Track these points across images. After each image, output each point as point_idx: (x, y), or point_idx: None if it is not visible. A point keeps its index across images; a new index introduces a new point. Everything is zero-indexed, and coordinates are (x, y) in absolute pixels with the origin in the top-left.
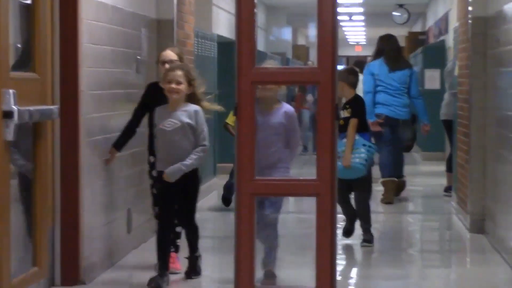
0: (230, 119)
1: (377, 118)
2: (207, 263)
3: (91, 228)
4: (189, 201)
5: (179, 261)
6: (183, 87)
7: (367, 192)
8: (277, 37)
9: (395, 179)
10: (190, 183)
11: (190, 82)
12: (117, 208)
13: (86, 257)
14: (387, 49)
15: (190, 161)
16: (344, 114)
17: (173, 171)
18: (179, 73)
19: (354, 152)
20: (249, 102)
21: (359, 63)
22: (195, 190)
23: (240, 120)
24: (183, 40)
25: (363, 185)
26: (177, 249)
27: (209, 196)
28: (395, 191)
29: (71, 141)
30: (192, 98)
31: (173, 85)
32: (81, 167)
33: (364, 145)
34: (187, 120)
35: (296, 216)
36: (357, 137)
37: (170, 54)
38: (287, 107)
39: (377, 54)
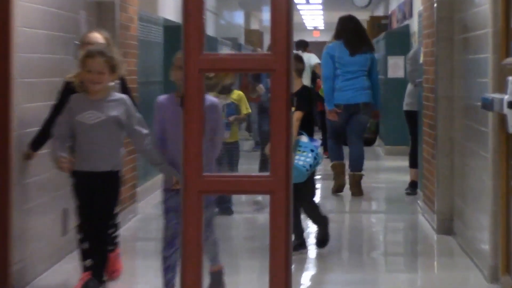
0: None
1: (336, 108)
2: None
3: (23, 229)
4: (104, 209)
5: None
6: (105, 77)
7: (311, 202)
8: (228, 22)
9: (343, 162)
10: (109, 187)
11: (113, 69)
12: (52, 208)
13: (18, 261)
14: (348, 31)
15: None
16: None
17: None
18: (99, 60)
19: (301, 154)
20: (196, 92)
21: (301, 44)
22: (113, 196)
23: (187, 112)
24: (126, 24)
25: (305, 195)
26: (115, 247)
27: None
28: (355, 187)
29: (1, 133)
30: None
31: (95, 76)
32: (12, 163)
33: (312, 150)
34: (114, 113)
35: (244, 216)
36: (306, 139)
37: (96, 36)
38: (210, 99)
39: (337, 36)
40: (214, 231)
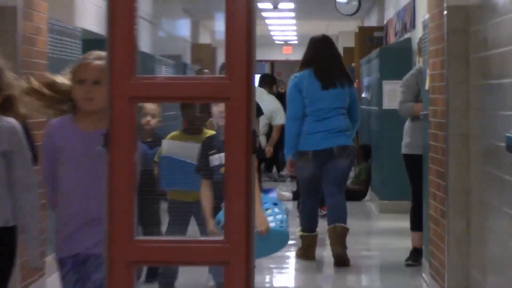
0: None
1: (297, 156)
2: None
3: None
4: None
5: None
6: None
7: None
8: (169, 33)
9: (316, 234)
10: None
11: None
12: None
13: None
14: (319, 57)
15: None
16: None
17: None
18: None
19: (266, 213)
20: (126, 128)
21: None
22: (8, 258)
23: (113, 153)
24: (31, 36)
25: None
26: None
27: None
28: (339, 244)
29: None
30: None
31: None
32: None
33: (275, 204)
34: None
35: None
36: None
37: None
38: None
39: (305, 63)
40: None
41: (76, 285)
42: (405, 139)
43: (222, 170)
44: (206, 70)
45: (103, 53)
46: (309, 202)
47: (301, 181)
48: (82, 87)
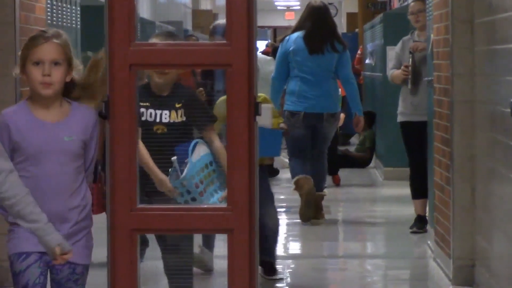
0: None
1: (287, 116)
2: None
3: None
4: None
5: None
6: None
7: None
8: (169, 0)
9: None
10: None
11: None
12: None
13: None
14: (310, 23)
15: None
16: (174, 117)
17: None
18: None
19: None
20: (126, 96)
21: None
22: None
23: (113, 122)
24: (29, 3)
25: None
26: None
27: None
28: (314, 208)
29: None
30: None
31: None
32: None
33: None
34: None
35: None
36: (207, 149)
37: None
38: (85, 109)
39: (297, 28)
40: None
41: (40, 278)
42: (401, 107)
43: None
44: (194, 37)
45: (60, 31)
46: (298, 161)
47: (289, 140)
48: (39, 69)
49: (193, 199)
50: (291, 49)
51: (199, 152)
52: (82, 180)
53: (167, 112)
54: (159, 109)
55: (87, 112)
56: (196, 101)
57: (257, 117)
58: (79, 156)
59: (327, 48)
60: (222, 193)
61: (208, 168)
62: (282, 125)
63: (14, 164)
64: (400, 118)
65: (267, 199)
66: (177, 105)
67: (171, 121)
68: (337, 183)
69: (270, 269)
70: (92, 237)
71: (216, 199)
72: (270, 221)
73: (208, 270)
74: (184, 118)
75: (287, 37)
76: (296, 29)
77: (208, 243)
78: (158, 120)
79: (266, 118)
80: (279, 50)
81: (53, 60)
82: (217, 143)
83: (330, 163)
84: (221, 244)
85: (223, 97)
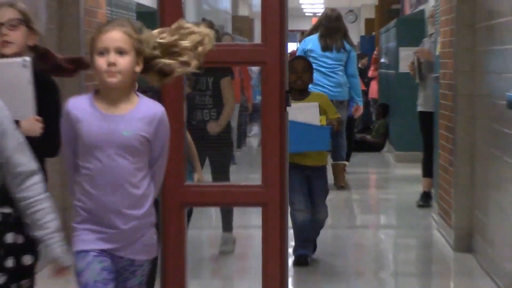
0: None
1: None
2: None
3: None
4: None
5: None
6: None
7: None
8: (212, 6)
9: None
10: None
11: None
12: None
13: None
14: (324, 27)
15: None
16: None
17: None
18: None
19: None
20: (174, 91)
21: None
22: None
23: (166, 105)
24: (92, 9)
25: None
26: None
27: None
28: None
29: None
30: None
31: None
32: None
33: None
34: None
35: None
36: None
37: (8, 12)
38: (152, 105)
39: (314, 29)
40: None
41: (102, 273)
42: (420, 99)
43: None
44: (229, 35)
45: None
46: None
47: None
48: (104, 58)
49: None
50: (308, 47)
51: None
52: (142, 176)
53: None
54: None
55: (153, 108)
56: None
57: (304, 115)
58: (139, 151)
59: (336, 47)
60: (195, 175)
61: None
62: (330, 120)
63: (76, 154)
64: (418, 109)
65: (322, 196)
66: None
67: None
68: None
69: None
70: (156, 233)
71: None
72: (320, 216)
73: (230, 251)
74: None
75: (306, 38)
76: (312, 31)
77: (227, 227)
78: None
79: (312, 115)
80: (299, 48)
81: (118, 49)
82: (189, 136)
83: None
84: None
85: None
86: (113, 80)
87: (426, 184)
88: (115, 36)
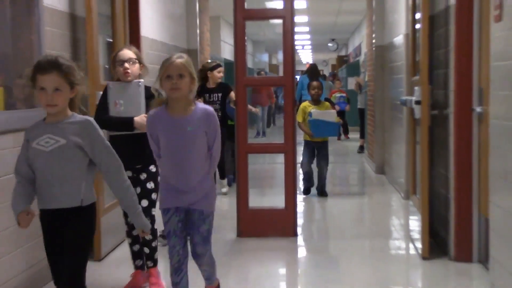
0: (299, 117)
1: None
2: None
3: None
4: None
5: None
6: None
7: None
8: (259, 59)
9: None
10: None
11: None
12: None
13: None
14: (310, 71)
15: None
16: None
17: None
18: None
19: None
20: (243, 97)
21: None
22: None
23: (238, 108)
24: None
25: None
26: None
27: None
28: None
29: None
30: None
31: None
32: None
33: None
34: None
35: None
36: None
37: (126, 53)
38: (204, 107)
39: (305, 72)
40: (209, 248)
41: (178, 225)
42: (358, 102)
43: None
44: (262, 72)
45: (183, 54)
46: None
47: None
48: (170, 81)
49: None
50: (303, 81)
51: None
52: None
53: None
54: None
55: (204, 111)
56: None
57: (326, 116)
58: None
59: (317, 79)
60: None
61: None
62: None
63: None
64: (358, 106)
65: (325, 160)
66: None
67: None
68: (347, 137)
69: (322, 192)
70: (215, 192)
71: None
72: (323, 171)
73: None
74: None
75: (302, 76)
76: (304, 72)
77: (222, 175)
78: None
79: (331, 117)
80: (299, 79)
81: (178, 73)
82: None
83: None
84: None
85: None
86: (176, 94)
87: (361, 141)
88: (175, 66)
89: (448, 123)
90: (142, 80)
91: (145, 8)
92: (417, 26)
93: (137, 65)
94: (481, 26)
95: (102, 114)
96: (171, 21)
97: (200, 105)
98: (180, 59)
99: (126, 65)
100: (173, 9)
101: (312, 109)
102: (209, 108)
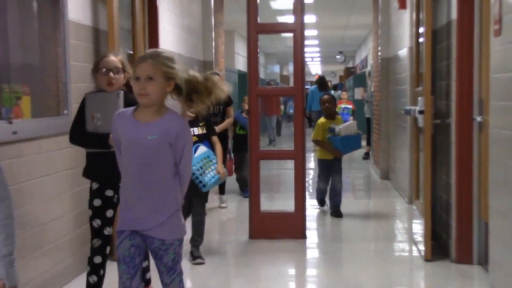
0: (318, 135)
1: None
2: None
3: None
4: None
5: None
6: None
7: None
8: (271, 70)
9: None
10: None
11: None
12: None
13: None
14: (319, 83)
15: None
16: (200, 130)
17: None
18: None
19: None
20: (255, 107)
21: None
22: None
23: (251, 117)
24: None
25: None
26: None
27: None
28: None
29: None
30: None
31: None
32: None
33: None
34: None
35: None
36: (205, 148)
37: (112, 60)
38: (175, 116)
39: (315, 83)
40: (176, 277)
41: (130, 250)
42: (365, 111)
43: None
44: (272, 82)
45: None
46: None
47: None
48: (138, 83)
49: (197, 178)
50: (314, 90)
51: (200, 151)
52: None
53: (196, 128)
54: (192, 127)
55: (174, 119)
56: (210, 121)
57: (350, 129)
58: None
59: (326, 90)
60: (216, 175)
61: (206, 160)
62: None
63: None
64: (366, 115)
65: (339, 174)
66: (200, 124)
67: (199, 133)
68: None
69: (337, 212)
70: (180, 218)
71: (211, 177)
72: (338, 186)
73: (223, 208)
74: (205, 131)
75: (312, 87)
76: (314, 83)
77: (222, 191)
78: (193, 133)
79: (352, 129)
80: (310, 89)
81: (148, 76)
82: (218, 144)
83: None
84: None
85: None
86: (144, 100)
87: (367, 148)
88: (145, 66)
89: (450, 131)
90: (121, 91)
91: (163, 22)
92: (421, 39)
93: (122, 75)
94: (481, 40)
95: (76, 128)
96: (188, 34)
97: (173, 113)
98: (151, 58)
99: (111, 74)
100: (190, 23)
101: (333, 125)
102: (180, 117)
